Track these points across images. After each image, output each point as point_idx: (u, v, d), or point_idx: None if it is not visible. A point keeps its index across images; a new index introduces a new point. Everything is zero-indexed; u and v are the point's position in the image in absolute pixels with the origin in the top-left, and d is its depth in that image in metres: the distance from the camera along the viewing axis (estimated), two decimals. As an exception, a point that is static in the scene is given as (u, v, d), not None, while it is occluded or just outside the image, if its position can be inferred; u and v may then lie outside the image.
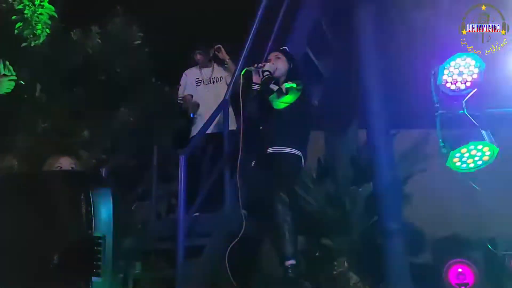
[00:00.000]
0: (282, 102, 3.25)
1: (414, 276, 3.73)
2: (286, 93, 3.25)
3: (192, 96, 4.38)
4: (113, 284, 1.59)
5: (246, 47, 4.22)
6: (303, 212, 3.99)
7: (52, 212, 1.64)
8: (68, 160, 2.74)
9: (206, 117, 4.10)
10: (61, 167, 2.66)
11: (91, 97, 4.06)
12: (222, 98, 4.06)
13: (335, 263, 4.06)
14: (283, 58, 3.52)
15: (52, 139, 3.77)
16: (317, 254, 4.19)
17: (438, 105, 2.71)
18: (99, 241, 1.60)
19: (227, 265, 3.04)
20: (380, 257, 3.81)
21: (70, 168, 2.66)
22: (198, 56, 4.37)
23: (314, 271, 3.92)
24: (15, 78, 2.75)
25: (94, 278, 1.56)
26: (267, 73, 3.35)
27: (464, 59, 2.65)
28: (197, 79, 4.41)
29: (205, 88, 4.34)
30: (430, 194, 4.44)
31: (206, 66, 4.41)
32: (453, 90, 2.65)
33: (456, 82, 2.64)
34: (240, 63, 4.23)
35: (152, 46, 4.83)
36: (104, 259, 1.59)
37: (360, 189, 4.39)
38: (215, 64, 4.45)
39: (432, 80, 2.72)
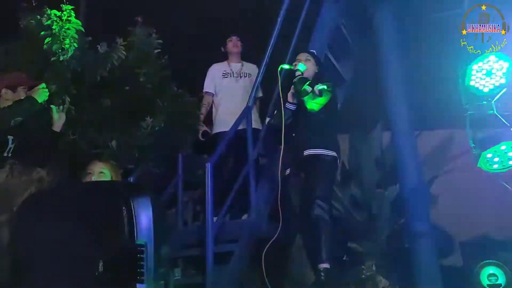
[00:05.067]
0: (316, 103, 3.29)
1: (445, 279, 3.70)
2: (320, 95, 3.29)
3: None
4: (156, 291, 1.63)
5: (267, 53, 4.25)
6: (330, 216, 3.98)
7: (95, 222, 1.68)
8: (98, 165, 2.78)
9: (232, 109, 4.13)
10: (90, 173, 2.71)
11: (117, 107, 4.11)
12: (249, 93, 4.09)
13: (363, 266, 4.04)
14: (312, 60, 3.58)
15: (81, 150, 3.84)
16: (344, 258, 4.18)
17: (467, 106, 2.68)
18: (141, 249, 1.64)
19: (263, 268, 3.05)
20: (409, 259, 3.79)
21: (99, 173, 2.70)
22: (228, 44, 4.38)
23: (342, 275, 3.90)
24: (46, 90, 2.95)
25: (138, 285, 1.60)
26: (299, 73, 3.40)
27: (492, 59, 2.63)
28: (224, 71, 4.44)
29: (233, 80, 4.37)
30: (458, 194, 4.40)
31: (236, 61, 4.44)
32: (482, 90, 2.63)
33: (485, 82, 2.62)
34: (261, 70, 4.26)
35: (171, 53, 4.88)
36: (146, 266, 1.62)
37: (386, 192, 4.38)
38: (243, 61, 4.49)
39: (460, 80, 2.70)
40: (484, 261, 3.73)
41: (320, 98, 3.27)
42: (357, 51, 4.87)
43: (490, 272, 3.75)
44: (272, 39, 4.22)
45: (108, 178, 2.63)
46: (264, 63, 4.18)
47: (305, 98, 3.30)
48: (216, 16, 5.44)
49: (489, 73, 2.62)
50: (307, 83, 3.34)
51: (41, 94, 3.04)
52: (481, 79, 2.63)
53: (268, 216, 3.82)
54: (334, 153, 3.26)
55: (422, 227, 3.82)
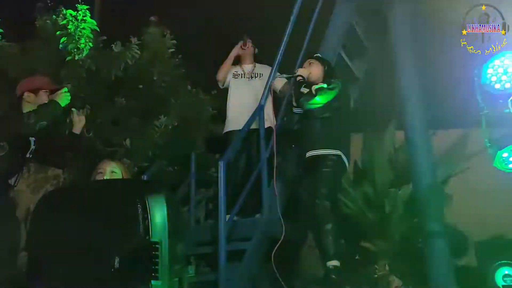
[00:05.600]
0: (312, 103, 3.34)
1: (459, 279, 3.67)
2: (315, 95, 3.34)
3: None
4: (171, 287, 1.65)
5: (280, 51, 4.24)
6: (342, 215, 3.98)
7: (111, 220, 1.71)
8: (110, 164, 2.77)
9: (241, 110, 4.13)
10: (102, 172, 2.69)
11: (131, 106, 4.16)
12: (260, 93, 4.09)
13: (376, 266, 4.03)
14: (316, 63, 3.62)
15: (95, 148, 3.89)
16: (357, 257, 4.17)
17: (483, 105, 2.66)
18: (156, 246, 1.66)
19: (274, 267, 3.07)
20: (422, 259, 3.76)
21: (111, 173, 2.68)
22: (240, 45, 4.39)
23: (355, 275, 3.89)
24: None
25: (153, 282, 1.62)
26: (300, 78, 3.50)
27: (509, 57, 2.60)
28: (235, 72, 4.43)
29: (243, 81, 4.36)
30: (473, 194, 4.36)
31: (248, 63, 4.44)
32: (498, 89, 2.60)
33: (501, 80, 2.59)
34: (274, 68, 4.26)
35: (185, 52, 4.92)
36: (161, 263, 1.65)
37: (400, 191, 4.35)
38: (256, 63, 4.49)
39: (476, 79, 2.68)
40: (499, 262, 3.68)
41: (315, 98, 3.32)
42: (371, 50, 4.84)
43: (505, 273, 3.69)
44: (285, 38, 4.22)
45: (119, 178, 2.61)
46: (276, 62, 4.17)
47: (301, 100, 3.38)
48: (229, 16, 5.47)
49: (505, 72, 2.59)
50: (303, 85, 3.43)
51: (64, 98, 3.09)
52: (497, 78, 2.61)
53: (282, 215, 3.82)
54: (337, 152, 3.24)
55: (436, 226, 3.79)
